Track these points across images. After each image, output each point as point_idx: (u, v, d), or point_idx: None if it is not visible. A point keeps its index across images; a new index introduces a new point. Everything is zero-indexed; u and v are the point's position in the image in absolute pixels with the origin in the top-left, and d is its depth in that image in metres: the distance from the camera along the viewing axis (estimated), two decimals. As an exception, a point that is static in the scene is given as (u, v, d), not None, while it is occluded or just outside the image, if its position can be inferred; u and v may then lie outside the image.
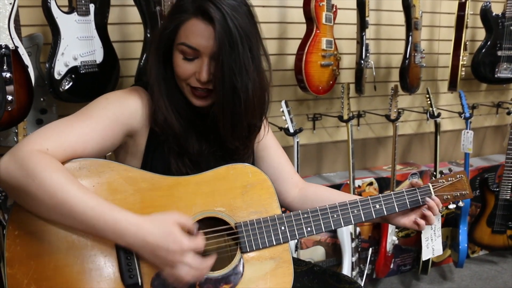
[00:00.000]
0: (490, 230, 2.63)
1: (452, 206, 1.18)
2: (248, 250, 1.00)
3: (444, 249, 2.72)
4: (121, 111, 1.01)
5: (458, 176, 1.20)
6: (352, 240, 2.29)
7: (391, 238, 2.47)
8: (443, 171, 1.23)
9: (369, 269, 2.49)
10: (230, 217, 1.01)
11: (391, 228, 2.44)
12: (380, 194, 1.13)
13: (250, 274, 0.99)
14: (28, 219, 0.89)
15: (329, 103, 2.45)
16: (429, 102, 2.44)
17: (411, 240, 2.61)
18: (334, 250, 2.38)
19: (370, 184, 2.48)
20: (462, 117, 2.50)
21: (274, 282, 1.00)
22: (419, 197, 1.15)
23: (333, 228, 1.06)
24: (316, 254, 2.37)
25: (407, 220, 1.17)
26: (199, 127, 1.09)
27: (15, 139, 1.60)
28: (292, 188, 1.26)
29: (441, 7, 2.64)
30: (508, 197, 2.54)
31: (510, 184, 2.53)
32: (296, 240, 2.13)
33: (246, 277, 0.99)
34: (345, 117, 2.20)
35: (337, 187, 2.37)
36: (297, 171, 2.08)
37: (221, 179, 1.02)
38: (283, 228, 1.02)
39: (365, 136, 2.62)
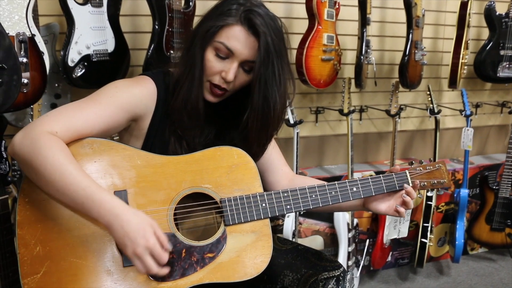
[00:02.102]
0: (489, 227, 2.66)
1: (430, 193, 1.25)
2: (231, 223, 1.10)
3: (442, 244, 2.77)
4: (127, 99, 1.12)
5: (437, 165, 1.27)
6: (349, 230, 2.36)
7: (388, 230, 2.53)
8: (423, 161, 1.30)
9: (366, 260, 2.54)
10: (216, 193, 1.11)
11: (388, 221, 2.50)
12: (357, 178, 1.20)
13: (232, 245, 1.09)
14: (37, 188, 1.01)
15: (332, 97, 2.51)
16: (429, 98, 2.48)
17: (410, 234, 2.67)
18: (333, 240, 2.44)
19: (370, 177, 2.53)
20: (463, 115, 2.54)
21: (254, 253, 1.10)
22: (396, 182, 1.22)
23: (311, 208, 1.14)
24: (314, 243, 2.44)
25: (386, 207, 1.24)
26: (205, 120, 1.19)
27: (30, 121, 1.71)
28: (282, 179, 1.35)
29: (447, 6, 2.67)
30: (508, 195, 2.57)
31: (510, 182, 2.56)
32: (293, 228, 2.21)
33: (228, 247, 1.09)
34: (345, 110, 2.27)
35: (337, 178, 2.43)
36: (297, 162, 2.17)
37: (209, 159, 1.12)
38: (264, 204, 1.12)
39: (367, 130, 2.67)
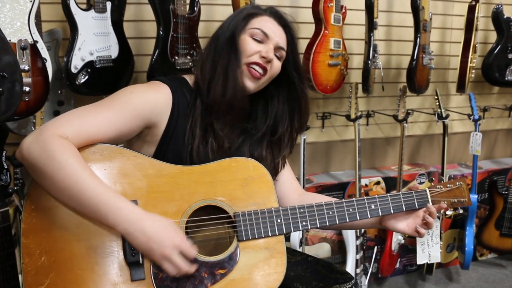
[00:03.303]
0: (499, 233, 2.62)
1: (449, 212, 1.21)
2: (244, 238, 1.06)
3: (451, 251, 2.73)
4: (142, 106, 1.08)
5: (457, 183, 1.23)
6: (357, 237, 2.32)
7: (397, 237, 2.48)
8: (443, 178, 1.26)
9: (374, 267, 2.50)
10: (230, 207, 1.07)
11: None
12: (376, 196, 1.16)
13: (244, 262, 1.04)
14: (44, 195, 0.97)
15: (339, 102, 2.48)
16: (437, 103, 2.45)
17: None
18: (340, 247, 2.41)
19: (377, 183, 2.49)
20: (471, 119, 2.50)
21: (267, 271, 1.05)
22: (416, 201, 1.18)
23: (327, 225, 1.10)
24: (321, 250, 2.40)
25: (404, 226, 1.20)
26: (238, 118, 1.20)
27: (33, 129, 1.67)
28: (291, 193, 1.32)
29: (453, 9, 2.64)
30: (517, 200, 2.53)
31: (520, 187, 2.53)
32: (300, 236, 2.17)
33: (241, 264, 1.04)
34: (353, 116, 2.23)
35: (344, 185, 2.40)
36: (304, 169, 2.13)
37: (223, 171, 1.08)
38: (279, 220, 1.07)
39: (374, 135, 2.63)
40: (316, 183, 2.36)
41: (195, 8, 1.86)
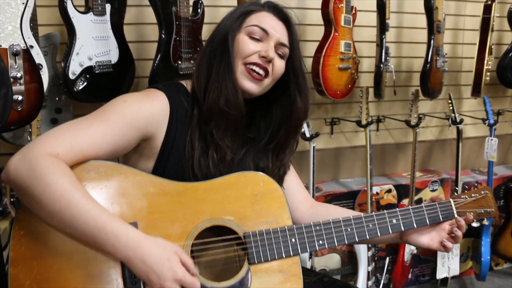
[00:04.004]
0: (515, 242, 2.53)
1: (475, 224, 1.12)
2: (256, 261, 0.96)
3: (465, 260, 2.63)
4: (137, 116, 0.99)
5: (482, 192, 1.14)
6: (369, 248, 2.23)
7: (410, 247, 2.39)
8: (466, 186, 1.17)
9: (386, 278, 2.42)
10: (239, 226, 0.98)
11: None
12: (397, 209, 1.07)
13: (256, 287, 0.95)
14: (34, 219, 0.88)
15: (348, 107, 2.39)
16: (451, 107, 2.36)
17: (430, 250, 2.52)
18: (350, 258, 2.32)
19: (389, 191, 2.41)
20: (486, 124, 2.41)
21: (282, 296, 0.96)
22: (440, 213, 1.09)
23: (346, 243, 1.01)
24: (331, 262, 2.32)
25: (428, 240, 1.12)
26: (237, 128, 1.11)
27: (29, 138, 1.60)
28: (301, 203, 1.22)
29: (466, 9, 2.55)
30: (534, 208, 2.44)
31: (537, 194, 2.43)
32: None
33: (253, 290, 0.95)
34: (363, 122, 2.15)
35: (355, 193, 2.32)
36: (313, 178, 2.04)
37: (231, 187, 0.99)
38: (293, 240, 0.98)
39: (384, 141, 2.55)
40: (325, 191, 2.28)
41: (199, 10, 1.79)
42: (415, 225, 1.08)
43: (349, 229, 1.02)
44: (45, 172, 0.84)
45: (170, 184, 0.96)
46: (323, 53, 1.91)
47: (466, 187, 1.18)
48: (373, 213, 1.07)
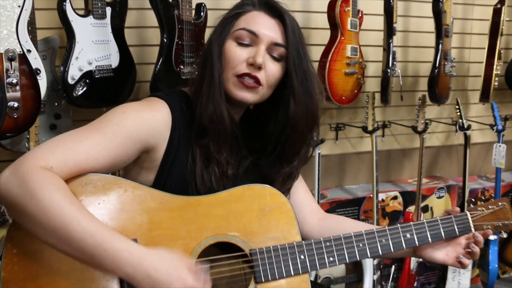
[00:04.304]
0: (523, 249, 2.49)
1: (492, 237, 1.06)
2: (263, 280, 0.91)
3: (471, 268, 2.58)
4: (137, 127, 0.94)
5: (500, 204, 1.09)
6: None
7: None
8: (483, 198, 1.12)
9: (391, 287, 2.37)
10: (245, 243, 0.93)
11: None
12: (411, 222, 1.02)
13: (264, 307, 0.90)
14: (27, 237, 0.83)
15: (353, 113, 2.35)
16: (459, 113, 2.31)
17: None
18: (355, 266, 2.28)
19: (395, 198, 2.36)
20: (495, 130, 2.36)
21: (290, 317, 0.91)
22: (456, 227, 1.04)
23: (358, 259, 0.96)
24: (336, 270, 2.27)
25: (444, 255, 1.06)
26: (234, 140, 1.04)
27: (27, 145, 1.55)
28: (311, 216, 1.17)
29: (473, 13, 2.51)
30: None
31: (545, 201, 2.38)
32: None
33: (260, 311, 0.90)
34: (370, 128, 2.10)
35: (360, 200, 2.27)
36: (319, 185, 2.00)
37: (236, 201, 0.94)
38: (302, 257, 0.93)
39: (389, 147, 2.50)
40: (330, 198, 2.23)
41: (202, 14, 1.75)
42: (430, 240, 1.03)
43: (361, 245, 0.97)
44: (37, 186, 0.79)
45: (171, 198, 0.91)
46: (329, 58, 1.87)
47: (483, 198, 1.13)
48: (386, 227, 1.02)
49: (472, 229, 1.06)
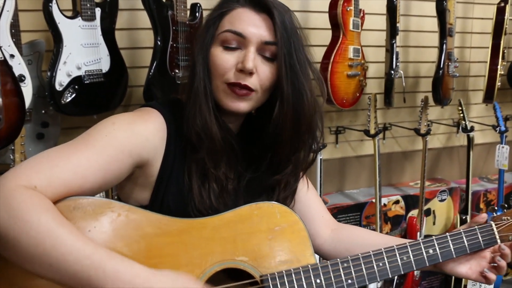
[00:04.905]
0: (525, 252, 2.44)
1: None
2: (276, 309, 0.83)
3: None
4: (129, 140, 0.84)
5: None
6: (378, 264, 2.11)
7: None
8: (506, 205, 1.05)
9: (394, 293, 2.31)
10: (255, 268, 0.84)
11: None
12: (433, 236, 0.95)
13: None
14: (12, 269, 0.73)
15: (353, 115, 2.28)
16: (461, 114, 2.25)
17: (440, 263, 2.43)
18: (357, 273, 2.22)
19: (397, 202, 2.30)
20: (497, 131, 2.32)
21: None
22: (481, 239, 0.97)
23: (378, 280, 0.89)
24: (337, 277, 2.20)
25: (467, 269, 0.99)
26: (231, 152, 0.95)
27: (11, 157, 1.45)
28: (323, 228, 1.08)
29: (474, 12, 2.45)
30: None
31: (549, 203, 2.33)
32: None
33: None
34: (372, 131, 2.03)
35: (361, 206, 2.21)
36: (320, 192, 1.92)
37: (243, 221, 0.85)
38: (318, 280, 0.85)
39: (391, 150, 2.44)
40: (331, 204, 2.16)
41: (197, 14, 1.67)
42: (454, 255, 0.96)
43: (380, 264, 0.89)
44: (22, 208, 0.70)
45: (170, 221, 0.82)
46: (331, 60, 1.79)
47: (506, 206, 1.05)
48: (407, 242, 0.94)
49: (498, 240, 0.99)
